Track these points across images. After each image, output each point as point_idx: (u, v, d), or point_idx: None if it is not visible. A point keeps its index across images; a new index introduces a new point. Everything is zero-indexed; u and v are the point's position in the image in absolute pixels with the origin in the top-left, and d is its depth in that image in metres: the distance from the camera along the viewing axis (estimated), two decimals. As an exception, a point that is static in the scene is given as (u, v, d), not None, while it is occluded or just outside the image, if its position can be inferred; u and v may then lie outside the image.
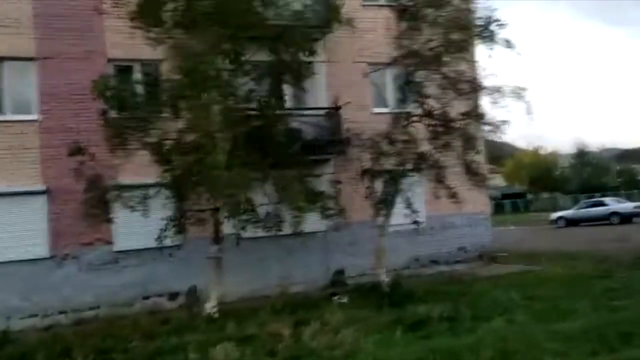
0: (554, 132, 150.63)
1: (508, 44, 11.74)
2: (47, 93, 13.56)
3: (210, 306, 11.43)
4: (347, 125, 14.86)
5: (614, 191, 59.63)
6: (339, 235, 15.35)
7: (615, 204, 34.62)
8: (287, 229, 13.51)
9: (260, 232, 11.44)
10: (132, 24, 10.47)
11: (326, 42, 15.93)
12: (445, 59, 11.98)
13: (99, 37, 13.93)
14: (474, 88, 12.30)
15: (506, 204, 64.00)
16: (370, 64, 14.70)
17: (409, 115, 12.94)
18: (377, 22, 15.72)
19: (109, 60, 14.02)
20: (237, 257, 14.11)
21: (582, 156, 74.36)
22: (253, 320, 10.56)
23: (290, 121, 13.88)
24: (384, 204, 12.88)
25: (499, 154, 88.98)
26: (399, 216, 13.73)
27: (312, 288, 14.84)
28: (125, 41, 12.87)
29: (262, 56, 11.70)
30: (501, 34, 11.78)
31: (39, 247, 13.16)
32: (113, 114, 10.30)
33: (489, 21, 11.76)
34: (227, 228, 12.03)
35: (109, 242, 13.73)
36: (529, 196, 70.03)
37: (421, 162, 12.66)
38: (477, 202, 16.76)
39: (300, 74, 11.83)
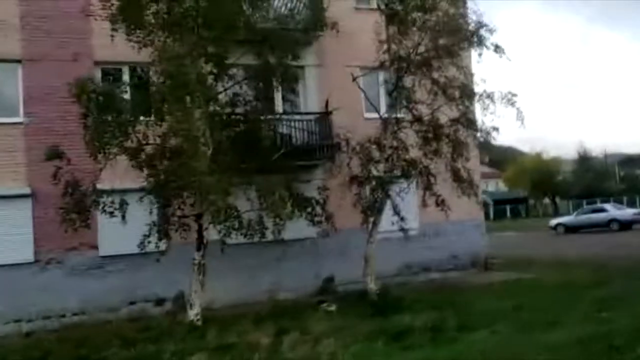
0: (560, 137, 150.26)
1: (498, 49, 11.59)
2: (32, 95, 13.43)
3: (193, 313, 11.25)
4: (338, 130, 14.67)
5: (616, 197, 59.25)
6: (329, 241, 15.20)
7: (614, 211, 34.38)
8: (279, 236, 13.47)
9: (249, 239, 11.21)
10: (113, 26, 10.30)
11: (317, 46, 15.79)
12: (435, 64, 11.79)
13: (86, 39, 13.79)
14: (465, 94, 12.11)
15: (506, 210, 63.67)
16: (362, 68, 14.51)
17: (398, 120, 12.75)
18: (369, 26, 15.53)
19: (96, 63, 13.88)
20: (226, 263, 13.92)
21: (584, 161, 74.04)
22: (235, 329, 10.39)
23: (279, 126, 13.74)
24: (372, 210, 12.68)
25: (502, 158, 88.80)
26: (390, 223, 13.57)
27: (301, 295, 14.66)
28: (113, 44, 12.72)
29: (248, 60, 11.53)
30: (491, 38, 11.61)
31: (23, 251, 13.00)
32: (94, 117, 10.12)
33: (478, 26, 11.60)
34: (214, 234, 11.88)
35: (94, 247, 13.57)
36: (530, 201, 69.67)
37: (410, 169, 12.47)
38: (471, 209, 16.54)
39: (287, 78, 11.65)
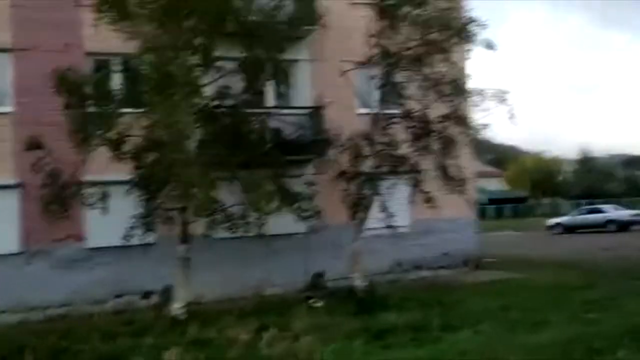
0: (566, 137, 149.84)
1: (489, 45, 11.44)
2: (22, 85, 13.32)
3: (177, 307, 11.17)
4: (331, 125, 14.55)
5: (617, 198, 59.02)
6: (320, 237, 15.09)
7: (612, 212, 34.20)
8: (268, 230, 13.37)
9: (232, 233, 11.11)
10: (97, 15, 10.18)
11: (311, 40, 15.65)
12: (426, 59, 11.65)
13: (77, 29, 13.67)
14: (456, 90, 11.97)
15: (507, 209, 63.48)
16: (356, 63, 14.35)
17: (388, 116, 12.62)
18: (364, 21, 15.39)
19: (87, 53, 13.77)
20: (214, 257, 13.89)
21: (586, 162, 73.79)
22: (218, 324, 10.29)
23: (270, 120, 13.60)
24: (360, 207, 12.57)
25: (505, 157, 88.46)
26: (381, 220, 13.45)
27: (291, 290, 14.55)
28: (104, 34, 12.60)
29: (237, 53, 11.39)
30: (482, 34, 11.46)
31: (9, 242, 12.92)
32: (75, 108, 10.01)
33: (468, 21, 11.44)
34: (201, 228, 11.79)
35: (82, 239, 13.50)
36: (531, 201, 69.45)
37: (399, 165, 12.33)
38: (464, 207, 16.42)
39: (275, 72, 11.52)
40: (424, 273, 16.54)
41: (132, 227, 11.27)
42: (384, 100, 12.63)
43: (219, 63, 11.20)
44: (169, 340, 9.05)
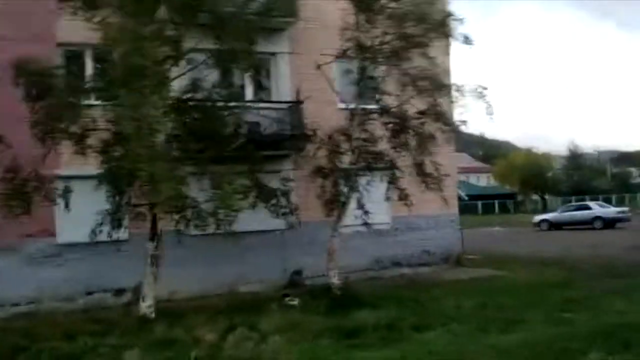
0: (558, 134, 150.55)
1: (467, 39, 11.22)
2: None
3: (145, 306, 10.88)
4: (311, 120, 14.28)
5: (606, 194, 59.26)
6: (298, 234, 14.87)
7: (598, 209, 34.25)
8: (244, 227, 13.10)
9: (201, 230, 10.81)
10: (66, 5, 9.86)
11: (291, 33, 15.39)
12: (403, 54, 11.40)
13: (48, 19, 13.29)
14: (434, 86, 11.73)
15: (495, 205, 63.58)
16: (333, 57, 14.08)
17: (366, 111, 12.37)
18: (346, 14, 15.12)
19: (58, 44, 13.43)
20: (189, 254, 13.63)
21: (575, 158, 74.00)
22: (187, 322, 10.04)
23: (247, 115, 13.31)
24: (337, 203, 12.33)
25: (497, 153, 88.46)
26: (360, 217, 13.23)
27: (268, 288, 14.33)
28: (75, 24, 12.26)
29: (210, 44, 11.09)
30: (461, 29, 11.24)
31: (-23, 238, 12.60)
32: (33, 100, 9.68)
33: (445, 15, 11.21)
34: (174, 224, 11.49)
35: (52, 235, 13.19)
36: (520, 197, 69.60)
37: (376, 161, 12.10)
38: (445, 204, 16.20)
39: (249, 65, 11.23)
40: (404, 270, 16.35)
41: (100, 224, 10.94)
42: (361, 95, 12.36)
43: (190, 55, 10.88)
44: (132, 340, 8.78)
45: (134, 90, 9.48)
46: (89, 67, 13.47)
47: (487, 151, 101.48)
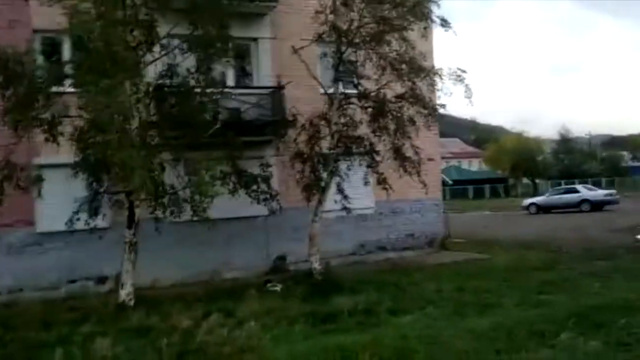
0: (552, 118, 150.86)
1: (444, 22, 11.13)
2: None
3: (124, 293, 10.84)
4: (292, 105, 14.17)
5: (595, 178, 59.54)
6: (281, 219, 14.78)
7: (586, 192, 34.38)
8: (227, 213, 13.05)
9: (176, 217, 10.76)
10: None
11: (272, 18, 15.23)
12: (381, 37, 11.30)
13: (23, 6, 13.09)
14: (413, 69, 11.65)
15: (486, 189, 63.80)
16: (309, 41, 13.93)
17: (346, 96, 12.29)
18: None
19: (35, 31, 13.22)
20: (170, 241, 13.51)
21: (565, 142, 74.18)
22: (165, 310, 10.01)
23: (226, 100, 13.20)
24: (317, 188, 12.29)
25: (489, 137, 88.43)
26: (339, 202, 13.21)
27: (252, 274, 14.35)
28: (53, 11, 12.08)
29: (185, 30, 10.95)
30: (437, 12, 11.13)
31: (-45, 228, 12.51)
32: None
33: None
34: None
35: (31, 224, 13.10)
36: (510, 181, 69.80)
37: (356, 146, 12.04)
38: (430, 188, 16.19)
39: (227, 50, 11.10)
40: (389, 254, 16.38)
41: (76, 212, 10.87)
42: (339, 80, 12.27)
43: (165, 40, 10.75)
44: (108, 328, 8.75)
45: (106, 77, 9.36)
46: (67, 55, 13.28)
47: (480, 135, 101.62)
